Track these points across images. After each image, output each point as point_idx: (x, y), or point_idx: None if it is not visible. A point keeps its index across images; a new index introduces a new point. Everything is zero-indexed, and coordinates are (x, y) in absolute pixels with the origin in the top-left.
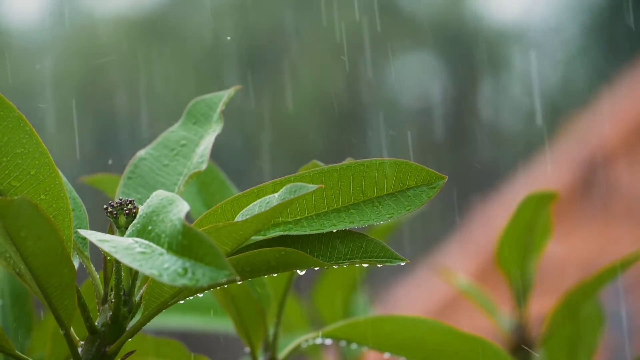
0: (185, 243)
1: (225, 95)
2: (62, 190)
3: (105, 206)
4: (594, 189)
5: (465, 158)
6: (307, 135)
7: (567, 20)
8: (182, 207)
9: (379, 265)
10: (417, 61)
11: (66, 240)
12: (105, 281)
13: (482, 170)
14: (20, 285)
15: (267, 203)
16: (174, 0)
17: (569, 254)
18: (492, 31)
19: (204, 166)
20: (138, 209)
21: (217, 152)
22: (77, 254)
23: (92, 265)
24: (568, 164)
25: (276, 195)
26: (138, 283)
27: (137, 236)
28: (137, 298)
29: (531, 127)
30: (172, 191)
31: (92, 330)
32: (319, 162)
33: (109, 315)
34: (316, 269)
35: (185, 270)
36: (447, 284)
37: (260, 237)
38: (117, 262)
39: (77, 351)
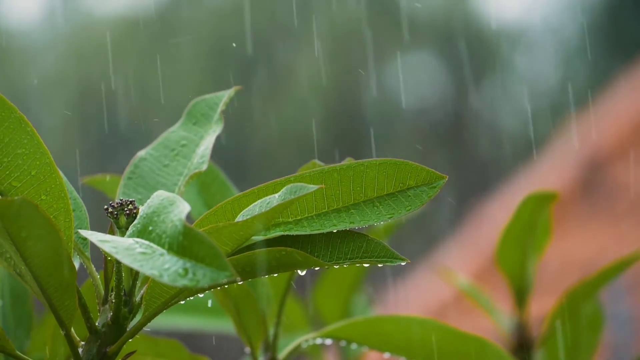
0: (186, 244)
1: (225, 95)
2: (62, 191)
3: (105, 206)
4: (594, 189)
5: (465, 158)
6: (306, 134)
7: (567, 20)
8: (183, 208)
9: (379, 265)
10: (417, 61)
11: (67, 240)
12: (106, 281)
13: (482, 170)
14: (20, 285)
15: (268, 203)
16: (174, 0)
17: (569, 254)
18: (492, 31)
19: (204, 166)
20: (138, 209)
21: (218, 152)
22: (78, 254)
23: (93, 266)
24: (568, 164)
25: (276, 195)
26: (138, 283)
27: (138, 236)
28: (137, 298)
29: (531, 127)
30: (173, 191)
31: (92, 330)
32: (318, 162)
33: (109, 316)
34: (317, 269)
35: (186, 270)
36: (447, 284)
37: (260, 237)
38: (118, 262)
39: (78, 351)
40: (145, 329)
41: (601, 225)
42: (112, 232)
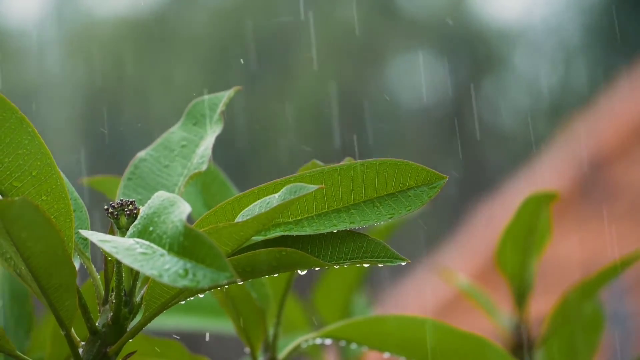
0: (186, 244)
1: (225, 96)
2: (63, 191)
3: (106, 207)
4: (594, 189)
5: (465, 158)
6: (306, 135)
7: (567, 20)
8: (183, 209)
9: (379, 265)
10: (417, 61)
11: (67, 241)
12: (106, 282)
13: (482, 170)
14: (20, 285)
15: (268, 203)
16: (174, 0)
17: (569, 254)
18: (492, 31)
19: (204, 167)
20: (139, 209)
21: (218, 152)
22: (78, 254)
23: (93, 266)
24: (568, 164)
25: (276, 195)
26: (139, 284)
27: (138, 237)
28: (137, 299)
29: (531, 127)
30: (173, 192)
31: (93, 330)
32: (318, 162)
33: (109, 316)
34: (317, 269)
35: (186, 271)
36: (447, 284)
37: (261, 238)
38: (118, 262)
39: (78, 352)
40: (145, 329)
41: (601, 225)
42: (112, 233)
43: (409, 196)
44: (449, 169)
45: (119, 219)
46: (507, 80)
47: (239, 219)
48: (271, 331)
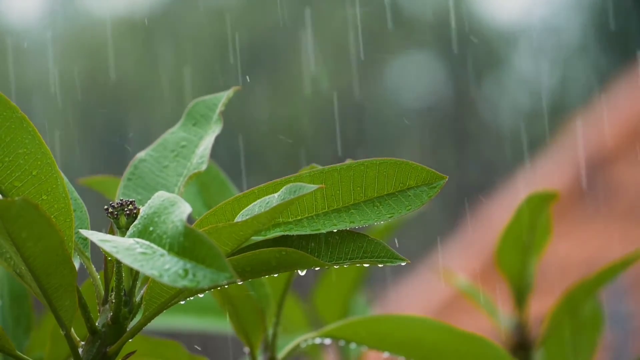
0: (186, 245)
1: (224, 96)
2: (63, 191)
3: (106, 207)
4: (594, 189)
5: (465, 158)
6: (306, 135)
7: (567, 20)
8: (184, 209)
9: (379, 265)
10: (417, 61)
11: (67, 240)
12: (106, 282)
13: (482, 170)
14: (19, 285)
15: (267, 203)
16: (174, 0)
17: (569, 254)
18: (492, 31)
19: (203, 167)
20: (139, 209)
21: (218, 153)
22: (78, 254)
23: (93, 266)
24: (568, 164)
25: (276, 195)
26: (138, 283)
27: (138, 237)
28: (137, 298)
29: (531, 127)
30: (172, 192)
31: (92, 330)
32: (317, 166)
33: (109, 316)
34: (317, 269)
35: (186, 271)
36: (447, 284)
37: (260, 238)
38: (118, 262)
39: (78, 352)
40: (144, 329)
41: (601, 225)
42: (112, 233)
43: (409, 196)
44: (449, 168)
45: (119, 218)
46: (507, 80)
47: (238, 218)
48: (270, 331)
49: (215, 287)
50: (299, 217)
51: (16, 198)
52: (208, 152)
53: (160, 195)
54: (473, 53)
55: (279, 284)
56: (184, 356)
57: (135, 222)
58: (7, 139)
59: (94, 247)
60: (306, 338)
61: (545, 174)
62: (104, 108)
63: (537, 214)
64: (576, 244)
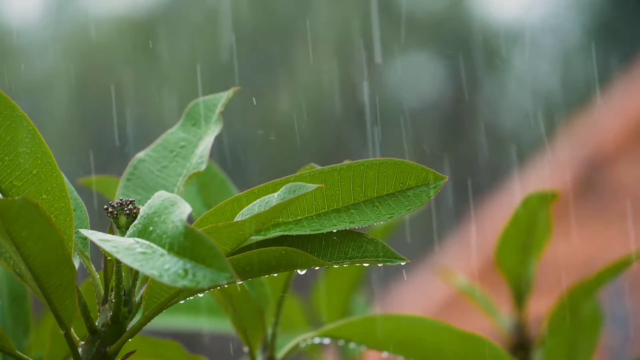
0: (186, 244)
1: (224, 96)
2: (63, 190)
3: (105, 206)
4: (594, 189)
5: (465, 158)
6: (306, 135)
7: (567, 20)
8: (184, 209)
9: (379, 265)
10: (417, 61)
11: (67, 240)
12: (106, 281)
13: (482, 170)
14: (19, 285)
15: (267, 203)
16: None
17: (569, 254)
18: (492, 31)
19: (203, 167)
20: (139, 209)
21: (217, 152)
22: (78, 254)
23: (93, 266)
24: (568, 164)
25: (276, 195)
26: (138, 283)
27: (138, 236)
28: (137, 298)
29: (531, 127)
30: (172, 192)
31: (92, 330)
32: (316, 165)
33: (109, 316)
34: (317, 268)
35: (186, 271)
36: (447, 284)
37: (260, 237)
38: (118, 262)
39: (78, 351)
40: (143, 329)
41: (601, 225)
42: (112, 233)
43: (409, 196)
44: (448, 168)
45: (119, 218)
46: (507, 80)
47: (238, 218)
48: (270, 330)
49: (215, 287)
50: (299, 217)
51: (16, 197)
52: (207, 152)
53: (160, 195)
54: (473, 53)
55: (279, 284)
56: (183, 356)
57: (135, 222)
58: (7, 137)
59: (94, 247)
60: (305, 338)
61: (545, 174)
62: (104, 107)
63: (536, 214)
64: (576, 244)
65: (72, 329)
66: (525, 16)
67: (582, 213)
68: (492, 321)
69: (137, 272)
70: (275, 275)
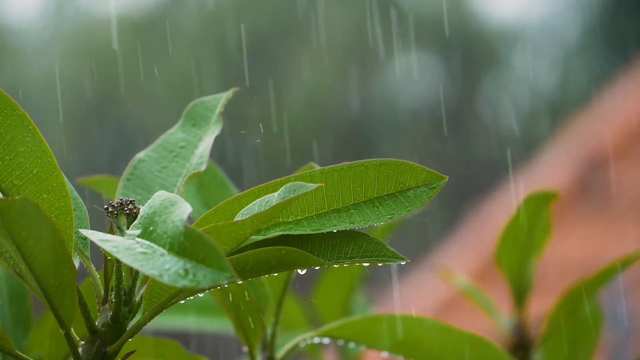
0: (186, 244)
1: (223, 97)
2: (64, 190)
3: (105, 206)
4: (593, 189)
5: (465, 158)
6: (305, 136)
7: (567, 20)
8: (184, 209)
9: (379, 265)
10: (416, 61)
11: (67, 240)
12: (106, 281)
13: (482, 170)
14: (18, 284)
15: (267, 202)
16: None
17: (569, 254)
18: (492, 31)
19: (203, 167)
20: (139, 209)
21: (217, 153)
22: (78, 253)
23: (93, 265)
24: (568, 164)
25: (276, 194)
26: (138, 283)
27: (138, 236)
28: (137, 298)
29: (531, 127)
30: (172, 192)
31: (92, 330)
32: (315, 165)
33: (109, 315)
34: (316, 268)
35: (187, 271)
36: (447, 284)
37: (260, 237)
38: (118, 262)
39: (78, 351)
40: (144, 329)
41: (601, 225)
42: (112, 232)
43: (409, 197)
44: (448, 168)
45: (119, 218)
46: (507, 80)
47: (238, 217)
48: (269, 330)
49: (215, 287)
50: (299, 217)
51: (17, 197)
52: (207, 152)
53: (160, 195)
54: (473, 53)
55: (279, 283)
56: (183, 356)
57: (135, 222)
58: (7, 136)
59: (94, 247)
60: (305, 337)
61: (545, 173)
62: (104, 107)
63: (536, 214)
64: (576, 244)
65: (72, 329)
66: (525, 16)
67: (582, 213)
68: (492, 321)
69: (137, 272)
70: (275, 274)
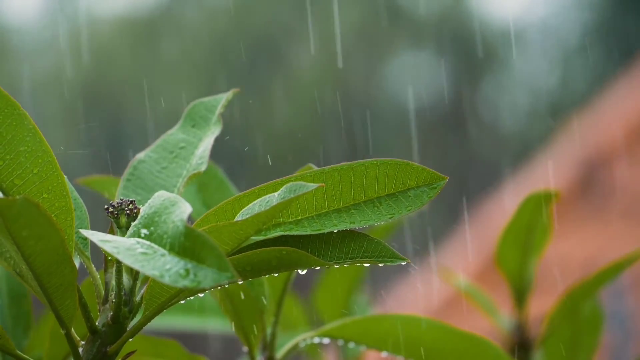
0: (187, 245)
1: (223, 98)
2: (64, 189)
3: (106, 206)
4: (593, 189)
5: (465, 158)
6: (305, 135)
7: (567, 20)
8: (184, 209)
9: (380, 265)
10: (417, 61)
11: (67, 239)
12: (106, 281)
13: (482, 170)
14: (18, 284)
15: (267, 202)
16: (174, 0)
17: (569, 254)
18: (492, 31)
19: (203, 167)
20: (139, 209)
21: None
22: (78, 253)
23: (93, 265)
24: (568, 164)
25: (276, 194)
26: (138, 283)
27: (139, 237)
28: (137, 298)
29: (531, 127)
30: (172, 193)
31: (92, 330)
32: (313, 166)
33: (109, 315)
34: (317, 268)
35: (187, 271)
36: (447, 284)
37: (261, 237)
38: (118, 262)
39: (78, 351)
40: (144, 328)
41: (601, 225)
42: (112, 232)
43: (409, 196)
44: (448, 168)
45: (119, 218)
46: (507, 80)
47: (238, 217)
48: (269, 330)
49: (216, 287)
50: (299, 218)
51: (17, 197)
52: (207, 153)
53: (161, 195)
54: (473, 53)
55: (278, 284)
56: (183, 356)
57: (135, 222)
58: (8, 136)
59: (94, 246)
60: (305, 337)
61: (545, 174)
62: (103, 107)
63: (537, 214)
64: (576, 244)
65: (72, 329)
66: (525, 16)
67: (582, 213)
68: (492, 321)
69: (137, 272)
70: (275, 275)
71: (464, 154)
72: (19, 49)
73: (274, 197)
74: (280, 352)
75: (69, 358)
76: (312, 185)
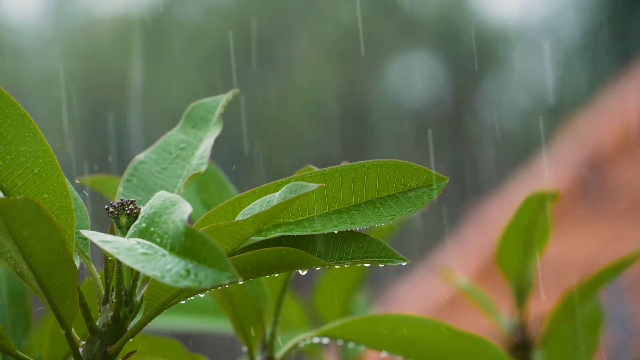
0: (188, 245)
1: (223, 98)
2: (64, 189)
3: (106, 206)
4: (594, 189)
5: (465, 158)
6: (305, 136)
7: (567, 20)
8: (184, 209)
9: (380, 265)
10: (417, 61)
11: (68, 239)
12: (107, 281)
13: (482, 170)
14: (18, 284)
15: (268, 202)
16: (174, 0)
17: (569, 254)
18: (492, 31)
19: (203, 168)
20: (139, 209)
21: (217, 153)
22: (79, 254)
23: (93, 266)
24: (568, 164)
25: (277, 194)
26: (139, 283)
27: (139, 237)
28: (138, 298)
29: (531, 127)
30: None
31: (93, 330)
32: (313, 167)
33: (110, 315)
34: (317, 268)
35: (188, 271)
36: (447, 284)
37: (261, 238)
38: (119, 262)
39: (79, 351)
40: (144, 328)
41: (601, 225)
42: (112, 233)
43: (410, 197)
44: (449, 169)
45: (120, 218)
46: (507, 80)
47: (239, 217)
48: (269, 330)
49: (216, 287)
50: (300, 218)
51: (18, 197)
52: (207, 154)
53: (161, 195)
54: (473, 53)
55: (278, 283)
56: (183, 355)
57: (136, 222)
58: (8, 136)
59: (94, 246)
60: (304, 337)
61: (545, 174)
62: (103, 107)
63: (537, 214)
64: (576, 244)
65: (72, 329)
66: (525, 16)
67: (582, 213)
68: (492, 321)
69: (137, 272)
70: (275, 275)
71: (464, 154)
72: (19, 49)
73: (274, 198)
74: (279, 352)
75: (69, 358)
76: (313, 186)
